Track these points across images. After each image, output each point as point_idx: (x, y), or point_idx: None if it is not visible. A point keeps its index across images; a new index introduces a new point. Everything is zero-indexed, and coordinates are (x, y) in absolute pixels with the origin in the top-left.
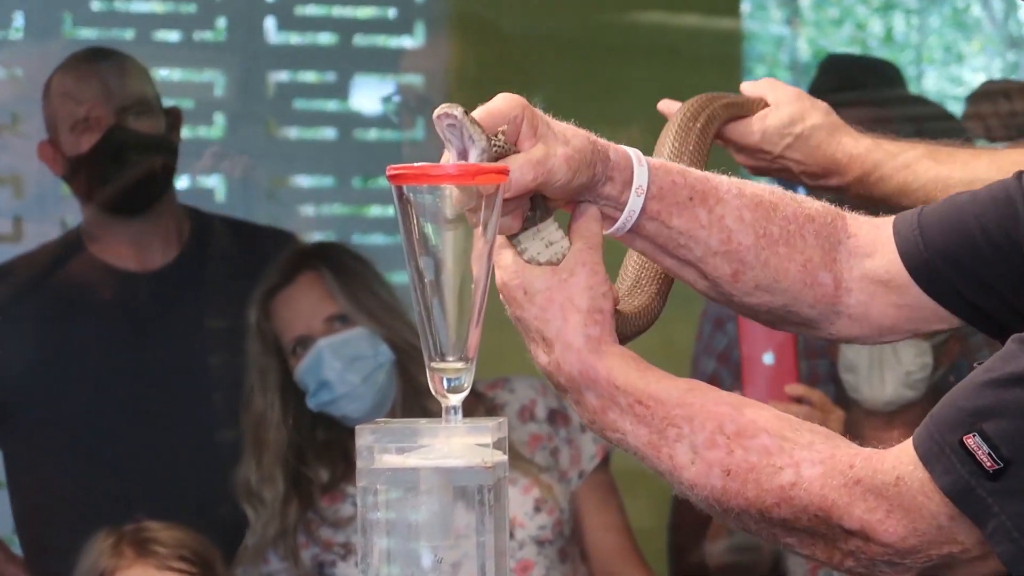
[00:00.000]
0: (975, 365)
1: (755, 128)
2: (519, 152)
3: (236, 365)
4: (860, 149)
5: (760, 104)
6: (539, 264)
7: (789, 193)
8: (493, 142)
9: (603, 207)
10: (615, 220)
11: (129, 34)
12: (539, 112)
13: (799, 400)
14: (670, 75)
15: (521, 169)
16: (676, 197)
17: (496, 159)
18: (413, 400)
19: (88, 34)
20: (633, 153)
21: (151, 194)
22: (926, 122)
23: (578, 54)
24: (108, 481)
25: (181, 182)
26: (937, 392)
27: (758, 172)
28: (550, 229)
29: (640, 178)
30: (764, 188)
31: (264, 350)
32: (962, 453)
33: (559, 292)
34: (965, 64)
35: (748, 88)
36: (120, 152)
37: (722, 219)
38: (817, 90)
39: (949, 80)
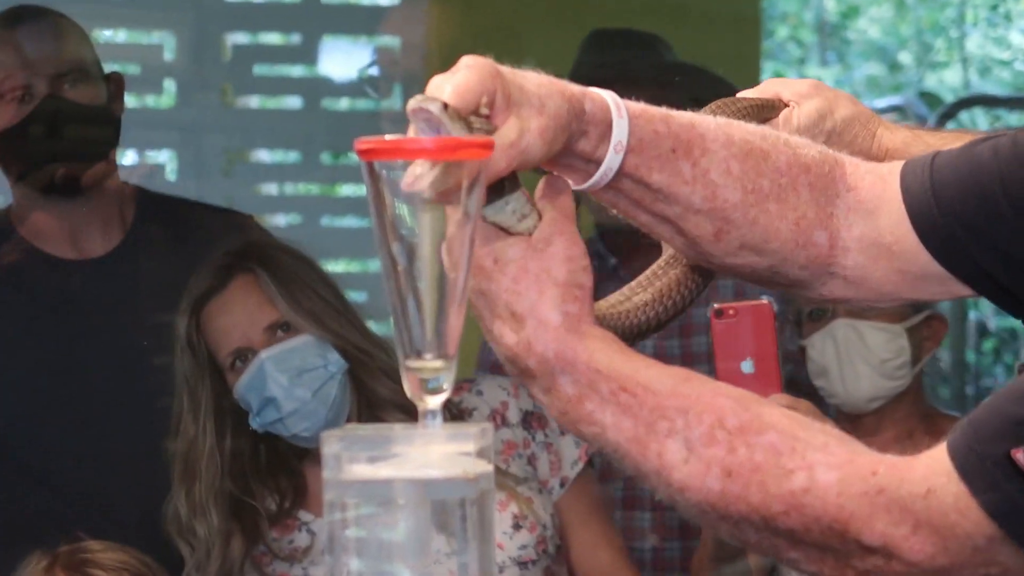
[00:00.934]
0: (1021, 365)
1: (783, 130)
2: (495, 130)
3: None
4: (897, 142)
5: (779, 104)
6: (510, 235)
7: (783, 137)
8: (473, 128)
9: (573, 163)
10: (587, 176)
11: None
12: (509, 74)
13: None
14: (679, 38)
15: (493, 157)
16: (657, 149)
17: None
18: (368, 413)
19: None
20: (612, 101)
21: (89, 173)
22: (705, 91)
23: (573, 13)
24: (40, 494)
25: (127, 157)
26: (925, 380)
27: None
28: (520, 200)
29: (620, 132)
30: (755, 132)
31: (195, 367)
32: (1008, 468)
33: (534, 262)
34: (1013, 25)
35: (753, 93)
36: (54, 125)
37: (707, 173)
38: (583, 67)
39: (995, 42)
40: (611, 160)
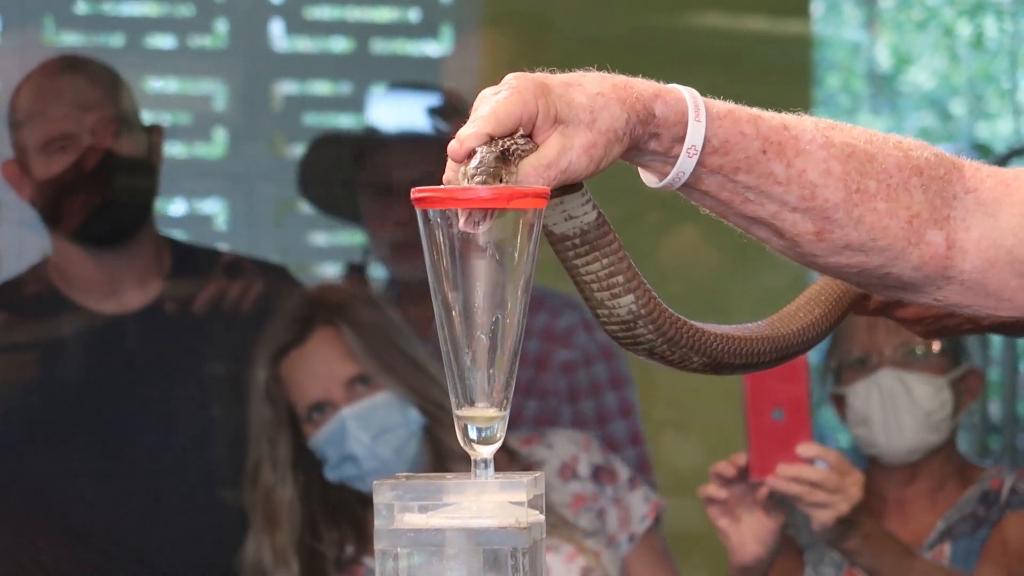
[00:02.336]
0: None
1: None
2: (535, 149)
3: (235, 416)
4: None
5: None
6: (553, 235)
7: (893, 138)
8: (512, 154)
9: (653, 163)
10: (664, 174)
11: (118, 39)
12: (559, 87)
13: (813, 462)
14: (730, 85)
15: (528, 179)
16: (745, 151)
17: (516, 159)
18: (441, 466)
19: (72, 39)
20: (691, 102)
21: (128, 223)
22: None
23: (627, 60)
24: (81, 550)
25: (176, 207)
26: (976, 432)
27: (930, 333)
28: (576, 202)
29: (694, 136)
30: (860, 135)
31: (275, 417)
32: None
33: None
34: None
35: None
36: (97, 175)
37: (803, 173)
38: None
39: None
40: (683, 163)
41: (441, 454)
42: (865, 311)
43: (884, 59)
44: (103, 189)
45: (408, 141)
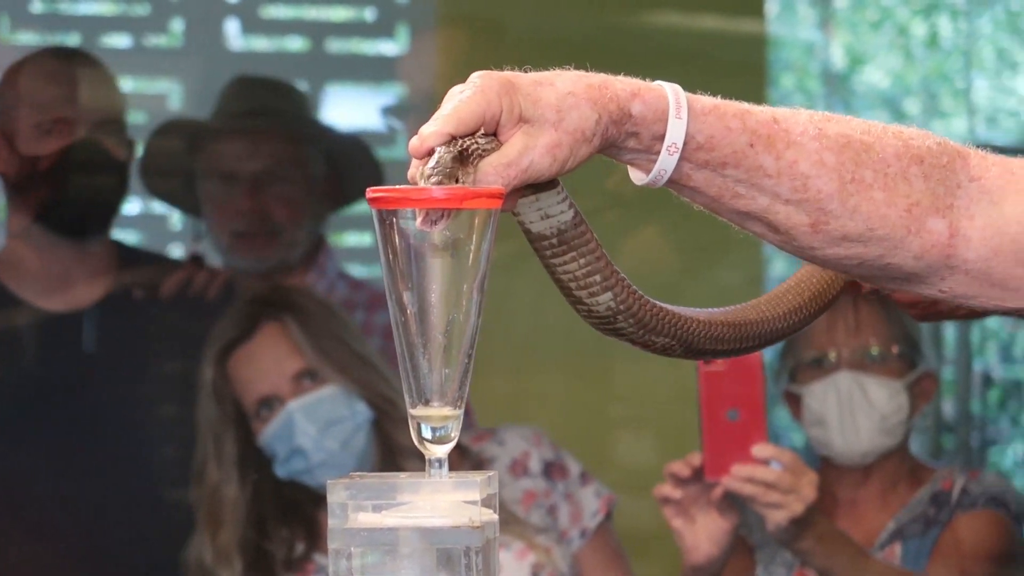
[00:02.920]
0: None
1: None
2: (499, 146)
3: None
4: None
5: None
6: (530, 233)
7: (893, 128)
8: (472, 154)
9: (637, 160)
10: (649, 171)
11: (74, 39)
12: (527, 85)
13: (767, 462)
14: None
15: (487, 178)
16: (732, 146)
17: (475, 159)
18: (390, 462)
19: (27, 38)
20: (672, 99)
21: (98, 219)
22: (341, 154)
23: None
24: (37, 547)
25: (131, 207)
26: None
27: (926, 316)
28: (551, 200)
29: (675, 134)
30: (857, 125)
31: (221, 413)
32: None
33: None
34: (1021, 72)
35: None
36: (83, 168)
37: (794, 165)
38: (223, 113)
39: (1001, 92)
40: (664, 161)
41: (390, 449)
42: (859, 292)
43: (838, 58)
44: (82, 179)
45: (250, 131)
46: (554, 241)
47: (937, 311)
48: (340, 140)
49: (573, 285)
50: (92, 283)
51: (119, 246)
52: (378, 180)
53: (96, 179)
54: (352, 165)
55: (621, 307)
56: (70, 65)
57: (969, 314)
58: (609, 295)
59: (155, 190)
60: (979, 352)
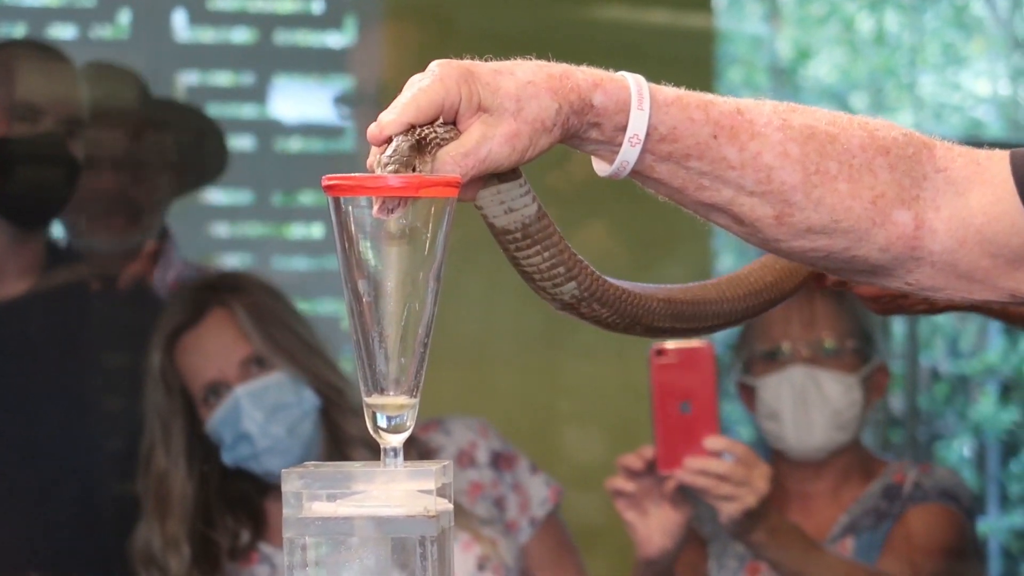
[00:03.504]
0: None
1: None
2: (458, 135)
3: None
4: None
5: None
6: (495, 227)
7: (859, 119)
8: (430, 143)
9: (599, 151)
10: (611, 163)
11: (20, 30)
12: (487, 75)
13: (720, 455)
14: None
15: (444, 167)
16: (695, 137)
17: (434, 148)
18: (337, 451)
19: None
20: (635, 90)
21: (47, 213)
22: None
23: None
24: None
25: None
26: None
27: (886, 310)
28: (513, 193)
29: (636, 125)
30: (822, 116)
31: (168, 400)
32: None
33: None
34: (966, 67)
35: None
36: (41, 160)
37: (758, 156)
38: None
39: (948, 86)
40: (626, 152)
41: (337, 438)
42: (823, 285)
43: (785, 52)
44: (32, 171)
45: (111, 114)
46: (518, 235)
47: (897, 305)
48: (193, 124)
49: (537, 277)
50: (25, 275)
51: (48, 241)
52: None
53: (46, 172)
54: (201, 151)
55: (585, 294)
56: (49, 59)
57: (928, 309)
58: (572, 284)
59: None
60: (926, 347)
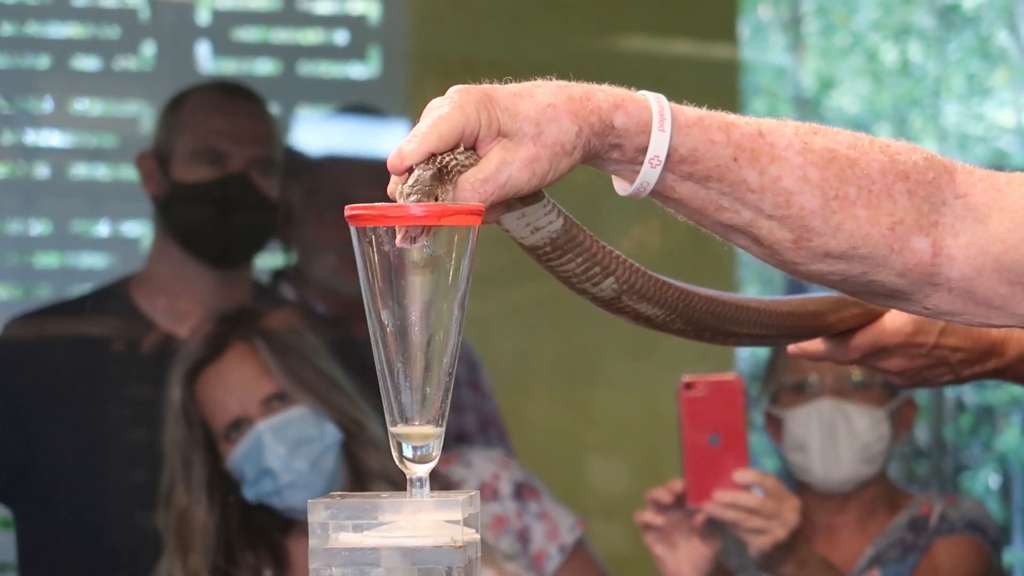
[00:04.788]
0: None
1: (902, 319)
2: (478, 161)
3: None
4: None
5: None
6: (524, 246)
7: (880, 142)
8: (451, 170)
9: (621, 171)
10: (632, 183)
11: (44, 61)
12: (505, 99)
13: (750, 488)
14: None
15: (464, 194)
16: (716, 159)
17: (454, 175)
18: (358, 485)
19: None
20: (656, 111)
21: (246, 251)
22: None
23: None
24: None
25: (102, 227)
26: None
27: (911, 384)
28: (537, 214)
29: (657, 146)
30: (844, 139)
31: (190, 436)
32: None
33: None
34: (990, 98)
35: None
36: (231, 201)
37: (778, 180)
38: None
39: (971, 117)
40: (647, 173)
41: (358, 472)
42: (845, 360)
43: (809, 83)
44: (230, 211)
45: (345, 160)
46: (548, 249)
47: (923, 378)
48: None
49: (575, 280)
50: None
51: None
52: None
53: (244, 213)
54: None
55: (624, 287)
56: (234, 99)
57: (953, 379)
58: (611, 279)
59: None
60: None
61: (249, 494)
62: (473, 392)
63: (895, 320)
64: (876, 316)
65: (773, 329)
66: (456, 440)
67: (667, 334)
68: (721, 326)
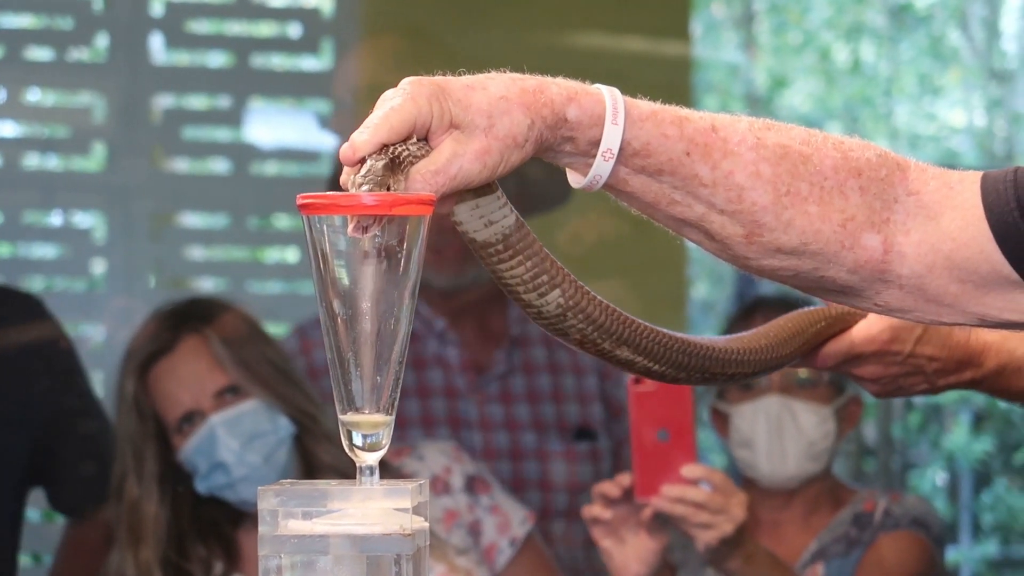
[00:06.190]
0: None
1: (878, 327)
2: (430, 152)
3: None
4: (995, 335)
5: (858, 313)
6: (475, 242)
7: (834, 139)
8: (403, 160)
9: (574, 164)
10: (585, 175)
11: None
12: (458, 91)
13: (697, 483)
14: None
15: (415, 185)
16: (668, 153)
17: (407, 166)
18: (309, 478)
19: None
20: (610, 104)
21: None
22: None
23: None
24: None
25: (54, 218)
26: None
27: (886, 392)
28: (492, 207)
29: (610, 139)
30: (797, 135)
31: (141, 428)
32: None
33: None
34: (942, 97)
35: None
36: None
37: (730, 175)
38: None
39: (923, 116)
40: (599, 166)
41: (311, 465)
42: (819, 367)
43: (761, 81)
44: None
45: None
46: (500, 247)
47: (898, 387)
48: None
49: (521, 288)
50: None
51: None
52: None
53: None
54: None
55: (570, 303)
56: None
57: (928, 389)
58: (557, 292)
59: None
60: None
61: (201, 487)
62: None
63: (871, 327)
64: (851, 323)
65: (732, 365)
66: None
67: (615, 366)
68: (668, 354)
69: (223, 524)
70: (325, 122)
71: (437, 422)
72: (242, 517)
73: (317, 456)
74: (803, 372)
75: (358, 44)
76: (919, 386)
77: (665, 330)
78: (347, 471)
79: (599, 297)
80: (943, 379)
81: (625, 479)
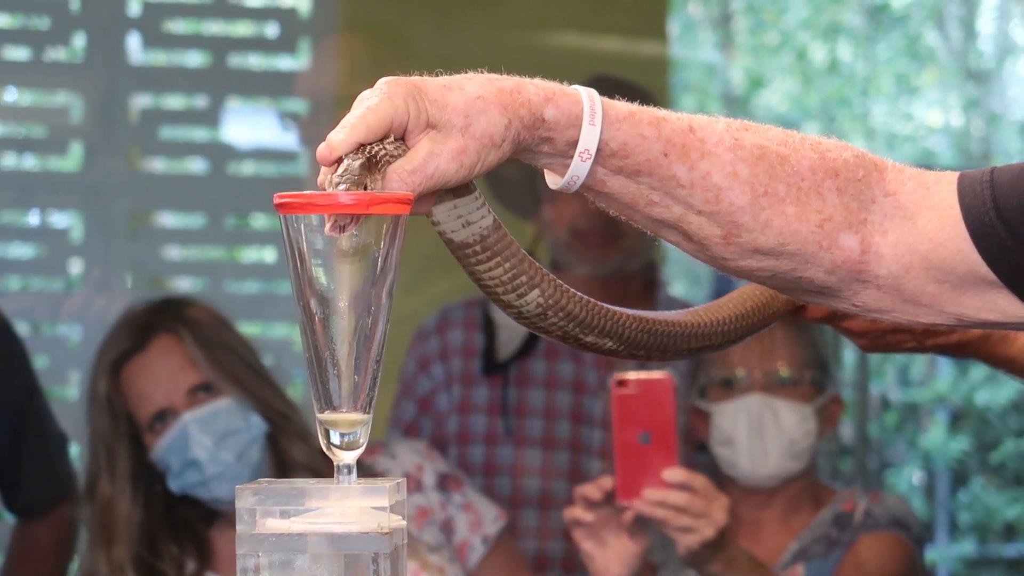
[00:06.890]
0: None
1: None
2: (407, 151)
3: None
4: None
5: None
6: (453, 243)
7: (810, 139)
8: (380, 160)
9: (552, 164)
10: (562, 175)
11: None
12: (435, 91)
13: (680, 487)
14: None
15: (392, 184)
16: (646, 154)
17: (383, 165)
18: (282, 477)
19: None
20: (587, 105)
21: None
22: None
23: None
24: None
25: (31, 218)
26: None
27: (874, 347)
28: (470, 207)
29: (588, 140)
30: (775, 136)
31: (114, 427)
32: None
33: None
34: (919, 97)
35: None
36: None
37: (708, 176)
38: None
39: (900, 116)
40: (577, 167)
41: (284, 464)
42: (807, 319)
43: (738, 81)
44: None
45: None
46: (477, 248)
47: (886, 342)
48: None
49: (500, 289)
50: None
51: None
52: None
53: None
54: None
55: (550, 302)
56: None
57: (916, 347)
58: (537, 292)
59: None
60: (877, 375)
61: (174, 485)
62: None
63: None
64: None
65: (720, 337)
66: None
67: (600, 355)
68: (657, 341)
69: (196, 523)
70: (287, 125)
71: (561, 415)
72: (215, 516)
73: (290, 454)
74: (784, 371)
75: (334, 45)
76: (907, 344)
77: (645, 313)
78: (320, 469)
79: (578, 293)
80: (931, 339)
81: (607, 482)
